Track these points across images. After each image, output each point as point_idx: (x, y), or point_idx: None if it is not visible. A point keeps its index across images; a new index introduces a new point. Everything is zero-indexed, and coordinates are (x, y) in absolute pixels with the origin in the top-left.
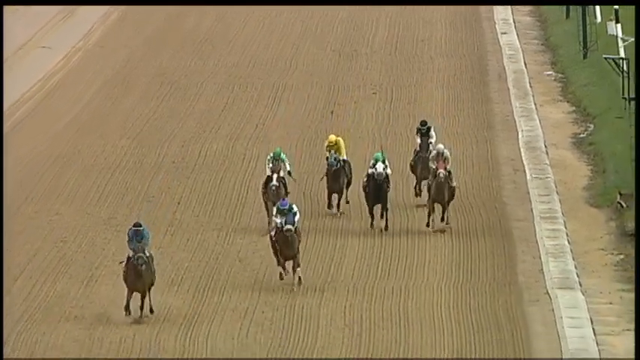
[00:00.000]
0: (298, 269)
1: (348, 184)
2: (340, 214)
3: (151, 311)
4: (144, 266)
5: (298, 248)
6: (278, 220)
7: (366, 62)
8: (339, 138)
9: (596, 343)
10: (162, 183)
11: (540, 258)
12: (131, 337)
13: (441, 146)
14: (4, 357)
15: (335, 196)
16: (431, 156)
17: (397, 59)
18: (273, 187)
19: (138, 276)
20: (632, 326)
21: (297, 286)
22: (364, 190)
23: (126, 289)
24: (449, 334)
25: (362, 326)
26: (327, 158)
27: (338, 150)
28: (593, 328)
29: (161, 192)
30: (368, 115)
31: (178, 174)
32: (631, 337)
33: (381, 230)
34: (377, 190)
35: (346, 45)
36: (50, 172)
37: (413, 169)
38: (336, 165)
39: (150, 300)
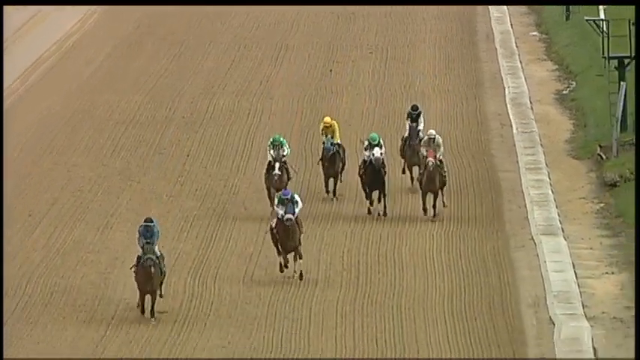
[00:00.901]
0: (300, 261)
1: (342, 167)
2: (337, 199)
3: (153, 313)
4: (153, 268)
5: (300, 239)
6: (280, 211)
7: (363, 24)
8: (334, 121)
9: (578, 285)
10: (172, 136)
11: (526, 206)
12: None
13: (432, 132)
14: (4, 357)
15: (331, 181)
16: (422, 141)
17: (392, 21)
18: (276, 177)
19: (148, 278)
20: (612, 270)
21: (298, 279)
22: (361, 176)
23: (137, 290)
24: (440, 277)
25: (359, 269)
26: (324, 143)
27: (333, 133)
28: (574, 272)
29: (172, 145)
30: (365, 72)
31: (188, 128)
32: (610, 280)
33: (379, 214)
34: (375, 175)
35: (344, 8)
36: (67, 126)
37: (403, 155)
38: (332, 150)
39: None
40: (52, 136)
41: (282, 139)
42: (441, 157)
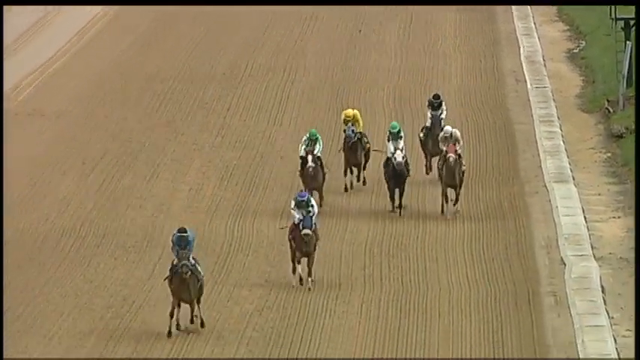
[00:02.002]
0: (313, 267)
1: (367, 156)
2: (364, 184)
3: (202, 325)
4: (189, 274)
5: (315, 246)
6: (297, 216)
7: None
8: (356, 111)
9: (587, 228)
10: (214, 92)
11: (539, 156)
12: (187, 222)
13: (448, 128)
14: (4, 357)
15: (353, 171)
16: (440, 137)
17: None
18: (310, 169)
19: (183, 285)
20: (618, 214)
21: (311, 284)
22: (384, 174)
23: (172, 299)
24: (460, 222)
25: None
26: (345, 131)
27: (356, 123)
28: (584, 216)
29: (213, 99)
30: (391, 33)
31: (228, 84)
32: (616, 223)
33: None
34: (397, 175)
35: None
36: (117, 84)
37: (423, 146)
38: (354, 138)
39: (200, 312)
40: (104, 93)
41: (318, 135)
42: (460, 152)
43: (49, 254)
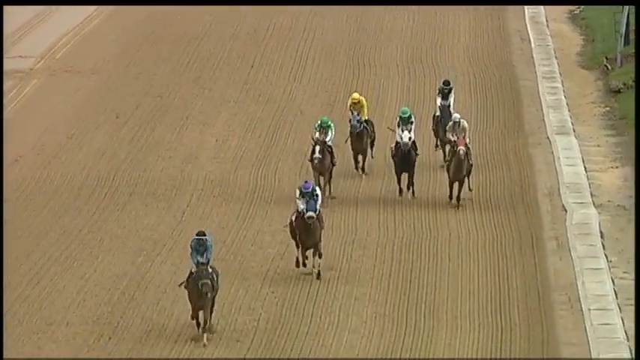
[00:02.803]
0: (319, 260)
1: (372, 142)
2: (364, 175)
3: (210, 331)
4: (209, 294)
5: (320, 236)
6: (301, 206)
7: None
8: (362, 97)
9: (587, 177)
10: (239, 50)
11: (542, 110)
12: (214, 172)
13: (457, 115)
14: (4, 357)
15: (359, 160)
16: (448, 126)
17: None
18: (316, 160)
19: (202, 297)
20: (616, 164)
21: (316, 278)
22: (393, 158)
23: (190, 306)
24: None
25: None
26: (350, 120)
27: (361, 109)
28: (584, 166)
29: (238, 57)
30: None
31: (252, 43)
32: (614, 173)
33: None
34: (405, 159)
35: None
36: (148, 42)
37: (436, 133)
38: (360, 127)
39: (210, 319)
40: (135, 51)
41: (330, 122)
42: (469, 144)
43: (85, 202)
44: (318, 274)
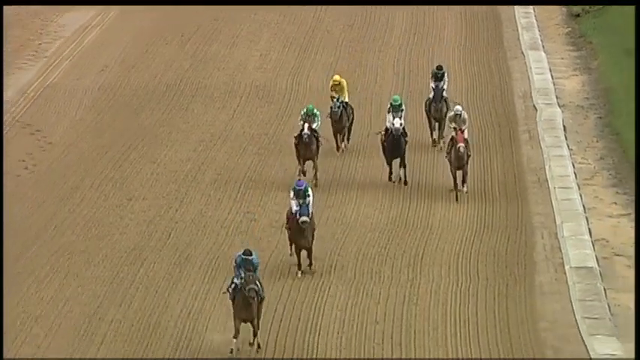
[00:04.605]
0: (311, 260)
1: (350, 124)
2: (344, 150)
3: (258, 347)
4: (255, 299)
5: (313, 237)
6: (295, 207)
7: None
8: (343, 79)
9: (553, 83)
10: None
11: (518, 30)
12: (258, 79)
13: (459, 107)
14: (4, 357)
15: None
16: (449, 116)
17: None
18: (305, 136)
19: (248, 308)
20: (576, 73)
21: (310, 272)
22: (382, 144)
23: (234, 318)
24: (458, 78)
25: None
26: (331, 107)
27: (341, 90)
28: (551, 74)
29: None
30: None
31: None
32: (575, 79)
33: (399, 182)
34: (395, 144)
35: None
36: None
37: (428, 114)
38: (339, 111)
39: (258, 332)
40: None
41: (315, 110)
42: (467, 138)
43: (157, 103)
44: (310, 264)
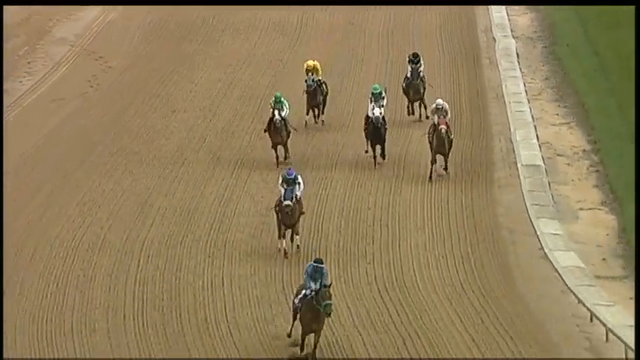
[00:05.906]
0: (297, 237)
1: (325, 99)
2: (322, 123)
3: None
4: (321, 309)
5: (299, 218)
6: (283, 192)
7: None
8: (316, 62)
9: (509, 19)
10: None
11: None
12: (275, 17)
13: (440, 101)
14: (4, 357)
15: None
16: (431, 109)
17: None
18: (277, 122)
19: (316, 317)
20: (527, 12)
21: (296, 252)
22: (365, 131)
23: (300, 330)
24: (432, 17)
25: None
26: (306, 81)
27: (316, 72)
28: (507, 12)
29: None
30: None
31: None
32: (526, 17)
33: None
34: (376, 132)
35: None
36: None
37: (406, 93)
38: (314, 85)
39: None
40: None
41: (282, 98)
42: (449, 123)
43: (195, 34)
44: (297, 247)
